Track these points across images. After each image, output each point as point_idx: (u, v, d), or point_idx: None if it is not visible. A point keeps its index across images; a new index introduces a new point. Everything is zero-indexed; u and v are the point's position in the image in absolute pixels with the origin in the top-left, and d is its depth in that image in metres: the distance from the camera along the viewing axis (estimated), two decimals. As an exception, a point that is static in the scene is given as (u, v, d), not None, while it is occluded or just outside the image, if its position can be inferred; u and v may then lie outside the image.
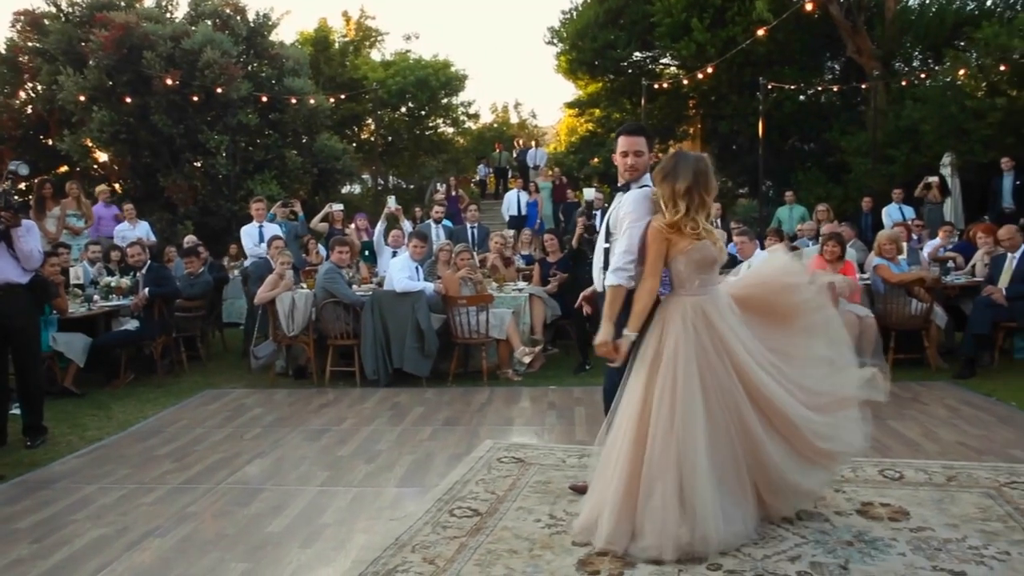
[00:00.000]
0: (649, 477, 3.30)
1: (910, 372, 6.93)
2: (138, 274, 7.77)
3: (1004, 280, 7.01)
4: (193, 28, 14.60)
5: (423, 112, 23.73)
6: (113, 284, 7.85)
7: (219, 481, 4.63)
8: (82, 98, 13.88)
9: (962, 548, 3.38)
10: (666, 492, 3.26)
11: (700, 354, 3.38)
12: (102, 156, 15.26)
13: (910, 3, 17.62)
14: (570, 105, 23.40)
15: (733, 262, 7.76)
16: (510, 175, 21.44)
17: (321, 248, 9.69)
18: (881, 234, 7.66)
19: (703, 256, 3.46)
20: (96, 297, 7.73)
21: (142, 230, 10.30)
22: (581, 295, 4.20)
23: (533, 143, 22.56)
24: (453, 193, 15.98)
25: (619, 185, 3.94)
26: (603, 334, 3.58)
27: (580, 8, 20.35)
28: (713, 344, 3.41)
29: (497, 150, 23.09)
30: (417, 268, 7.48)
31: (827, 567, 3.23)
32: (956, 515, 3.73)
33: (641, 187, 3.78)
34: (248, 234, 9.11)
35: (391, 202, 9.94)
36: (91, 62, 13.86)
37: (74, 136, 14.33)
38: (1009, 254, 7.12)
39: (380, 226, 9.48)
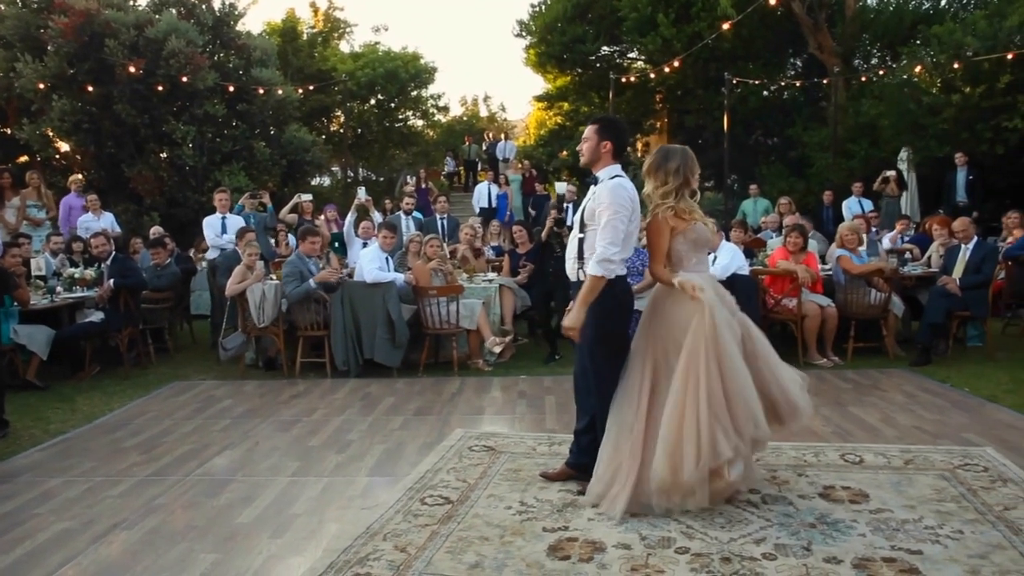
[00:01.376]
0: (735, 427, 3.66)
1: (869, 360, 7.12)
2: (103, 265, 7.67)
3: (958, 271, 7.21)
4: (157, 16, 14.28)
5: (392, 104, 23.56)
6: (77, 275, 7.73)
7: (188, 472, 4.60)
8: (41, 86, 13.56)
9: (919, 528, 3.49)
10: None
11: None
12: (64, 146, 14.93)
13: (869, 1, 17.95)
14: (539, 98, 23.48)
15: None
16: (479, 168, 21.45)
17: (291, 239, 9.63)
18: (843, 226, 7.81)
19: (698, 236, 3.87)
20: (59, 289, 7.60)
21: (107, 221, 10.16)
22: (565, 312, 4.28)
23: (503, 136, 22.58)
24: (423, 185, 16.01)
25: (589, 178, 4.05)
26: (575, 319, 3.81)
27: (549, 2, 20.40)
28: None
29: (467, 143, 23.06)
30: (387, 259, 7.49)
31: (791, 548, 3.32)
32: (913, 497, 3.86)
33: (612, 178, 3.87)
34: (210, 225, 8.98)
35: (361, 193, 9.90)
36: (50, 48, 13.55)
37: (34, 125, 13.99)
38: (963, 246, 7.33)
39: (350, 217, 9.44)
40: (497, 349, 7.32)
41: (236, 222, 8.88)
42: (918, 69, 13.37)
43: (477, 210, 14.90)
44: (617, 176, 3.88)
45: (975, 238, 7.34)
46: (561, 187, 10.79)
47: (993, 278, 7.34)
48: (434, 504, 3.91)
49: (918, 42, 14.58)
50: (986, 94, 11.94)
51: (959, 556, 3.22)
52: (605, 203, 3.79)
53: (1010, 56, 11.67)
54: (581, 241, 3.92)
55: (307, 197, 10.43)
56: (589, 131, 4.01)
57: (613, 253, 3.74)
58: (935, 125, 12.42)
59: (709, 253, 7.31)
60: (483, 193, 15.39)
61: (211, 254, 9.01)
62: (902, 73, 14.18)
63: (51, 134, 14.37)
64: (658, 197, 3.83)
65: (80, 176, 11.48)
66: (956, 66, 12.35)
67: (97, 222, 9.91)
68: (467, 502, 3.93)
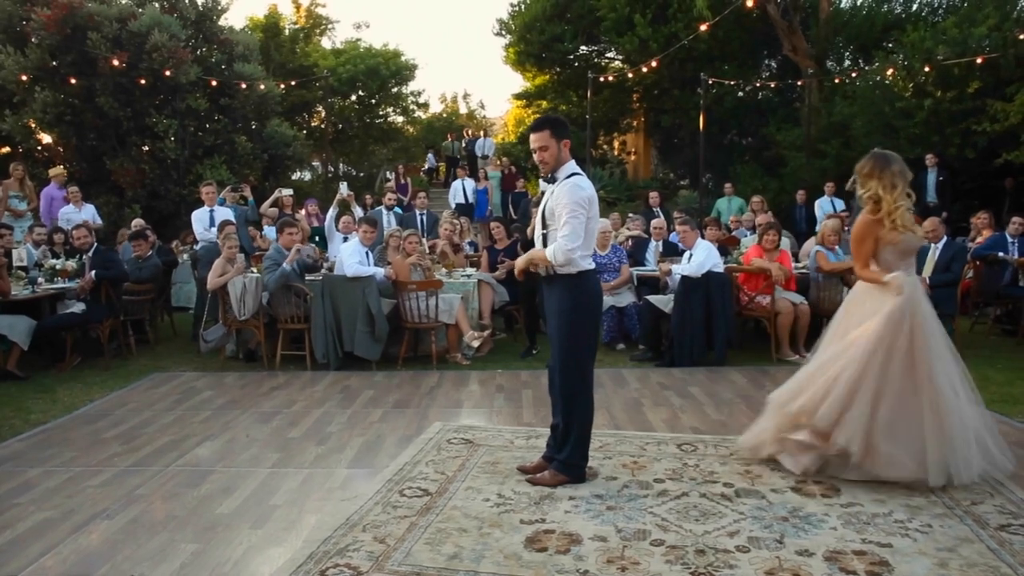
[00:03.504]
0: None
1: (841, 357, 7.23)
2: (84, 257, 7.65)
3: (927, 270, 7.37)
4: (140, 10, 14.17)
5: (373, 100, 23.49)
6: (58, 267, 7.71)
7: (168, 463, 4.62)
8: (24, 78, 13.46)
9: (888, 522, 3.55)
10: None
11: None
12: (46, 138, 14.79)
13: (843, 5, 18.15)
14: (518, 96, 23.50)
15: (675, 250, 8.00)
16: (460, 164, 21.48)
17: (269, 231, 9.65)
18: (826, 224, 7.90)
19: (907, 247, 4.05)
20: (40, 280, 7.57)
21: (88, 213, 10.13)
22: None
23: (482, 133, 22.62)
24: (402, 181, 16.07)
25: (543, 177, 4.08)
26: (520, 265, 4.11)
27: (528, 1, 20.48)
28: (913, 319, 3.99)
29: (448, 139, 23.09)
30: (367, 253, 7.53)
31: (764, 541, 3.36)
32: (883, 491, 3.91)
33: (569, 176, 3.94)
34: (199, 218, 9.01)
35: (343, 188, 9.93)
36: (32, 40, 13.44)
37: (16, 116, 13.85)
38: (932, 245, 7.47)
39: (332, 212, 9.47)
40: (475, 343, 7.38)
41: (224, 214, 8.91)
42: (890, 72, 13.56)
43: (453, 206, 14.99)
44: (575, 174, 3.93)
45: (944, 238, 7.51)
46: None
47: (962, 277, 7.50)
48: (413, 496, 3.95)
49: (890, 46, 14.78)
50: (956, 98, 12.14)
51: (928, 549, 3.27)
52: (564, 202, 3.86)
53: (979, 60, 11.88)
54: (544, 238, 4.02)
55: (287, 192, 10.46)
56: (543, 138, 3.90)
57: (571, 249, 3.82)
58: (906, 128, 12.60)
59: (681, 252, 7.47)
60: (458, 189, 15.49)
61: (200, 247, 9.02)
62: (874, 75, 14.38)
63: (33, 126, 14.24)
64: (892, 200, 3.93)
65: (62, 168, 11.42)
66: (927, 69, 12.52)
67: (78, 214, 9.88)
68: (445, 494, 3.97)
